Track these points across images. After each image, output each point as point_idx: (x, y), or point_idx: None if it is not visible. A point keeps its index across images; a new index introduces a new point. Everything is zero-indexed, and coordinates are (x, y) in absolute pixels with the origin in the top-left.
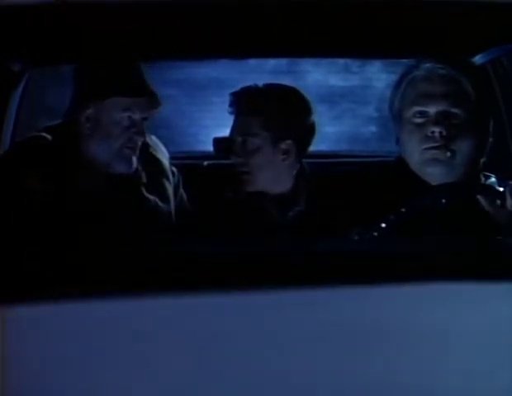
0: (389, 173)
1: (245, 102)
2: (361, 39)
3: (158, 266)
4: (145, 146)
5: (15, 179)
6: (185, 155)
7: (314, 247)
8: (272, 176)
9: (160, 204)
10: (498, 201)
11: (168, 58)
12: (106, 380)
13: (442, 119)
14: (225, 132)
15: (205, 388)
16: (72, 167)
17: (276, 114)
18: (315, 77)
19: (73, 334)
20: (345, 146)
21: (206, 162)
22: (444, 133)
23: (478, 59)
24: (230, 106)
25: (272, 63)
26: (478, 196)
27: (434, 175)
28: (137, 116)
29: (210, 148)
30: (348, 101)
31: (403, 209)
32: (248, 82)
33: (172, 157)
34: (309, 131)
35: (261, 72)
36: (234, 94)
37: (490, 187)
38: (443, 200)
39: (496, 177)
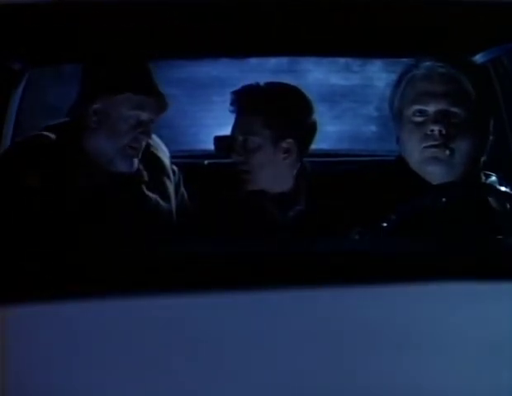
0: (389, 173)
1: (246, 101)
2: (361, 38)
3: (158, 266)
4: (147, 145)
5: (15, 178)
6: (186, 154)
7: (314, 247)
8: (273, 175)
9: (161, 202)
10: (499, 201)
11: (168, 57)
12: (106, 380)
13: (441, 117)
14: (226, 131)
15: (205, 387)
16: (73, 165)
17: (277, 112)
18: (316, 76)
19: (73, 334)
20: (346, 145)
21: (206, 161)
22: (444, 131)
23: (479, 58)
24: (232, 104)
25: (272, 62)
26: (479, 195)
27: (434, 174)
28: (145, 117)
29: (210, 147)
30: (348, 100)
31: (403, 209)
32: (249, 81)
33: (172, 156)
34: (310, 130)
35: (262, 71)
36: (235, 93)
37: (491, 186)
38: (444, 200)
39: (497, 176)
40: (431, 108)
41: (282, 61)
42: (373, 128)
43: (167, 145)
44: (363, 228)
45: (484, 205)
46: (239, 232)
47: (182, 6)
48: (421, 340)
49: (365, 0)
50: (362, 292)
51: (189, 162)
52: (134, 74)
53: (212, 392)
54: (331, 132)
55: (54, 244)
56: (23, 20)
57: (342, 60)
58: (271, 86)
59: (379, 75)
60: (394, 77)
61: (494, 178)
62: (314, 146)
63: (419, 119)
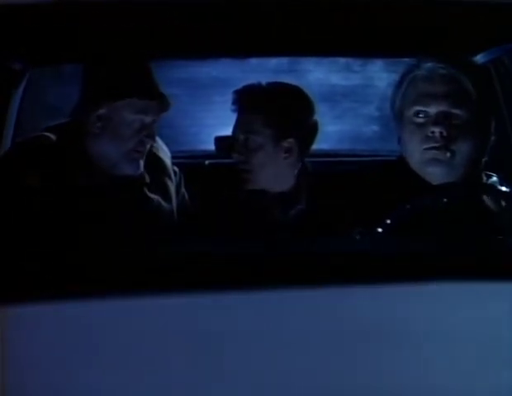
0: (390, 173)
1: (248, 100)
2: (362, 38)
3: (158, 266)
4: None
5: (15, 179)
6: (187, 154)
7: (314, 247)
8: (274, 174)
9: (163, 203)
10: (499, 201)
11: (169, 57)
12: (105, 380)
13: (442, 119)
14: (227, 131)
15: (205, 387)
16: (74, 166)
17: (278, 112)
18: (317, 76)
19: (73, 334)
20: (347, 145)
21: (207, 162)
22: (444, 133)
23: (480, 59)
24: (233, 104)
25: (273, 62)
26: (480, 196)
27: (435, 175)
28: (148, 119)
29: (211, 147)
30: (349, 100)
31: (404, 209)
32: (250, 81)
33: (173, 157)
34: (311, 130)
35: (263, 71)
36: (236, 92)
37: (492, 187)
38: (445, 200)
39: (498, 177)
40: (432, 109)
41: (283, 61)
42: (374, 128)
43: (168, 145)
44: (364, 228)
45: (484, 206)
46: (239, 232)
47: (183, 6)
48: (421, 340)
49: (366, 0)
50: (362, 292)
51: (190, 163)
52: (136, 77)
53: (212, 391)
54: (332, 132)
55: (54, 244)
56: (23, 20)
57: (343, 60)
58: (272, 85)
59: (380, 75)
60: (395, 77)
61: (495, 178)
62: (315, 146)
63: (420, 120)
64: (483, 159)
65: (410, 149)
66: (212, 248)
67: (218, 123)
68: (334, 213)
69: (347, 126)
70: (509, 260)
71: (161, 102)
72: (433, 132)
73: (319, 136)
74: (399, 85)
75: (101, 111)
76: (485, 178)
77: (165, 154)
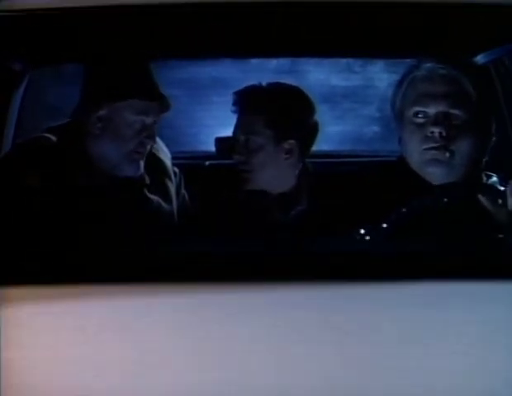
0: (391, 173)
1: (249, 101)
2: (363, 39)
3: (158, 266)
4: None
5: (16, 180)
6: (187, 155)
7: (314, 247)
8: (275, 175)
9: (163, 204)
10: (499, 201)
11: (170, 57)
12: (105, 380)
13: (442, 119)
14: (227, 132)
15: (204, 387)
16: (74, 166)
17: (279, 113)
18: (317, 76)
19: (73, 334)
20: (347, 146)
21: (207, 162)
22: (444, 133)
23: (480, 59)
24: (234, 104)
25: (274, 62)
26: (479, 196)
27: (435, 175)
28: (149, 120)
29: (211, 148)
30: (350, 100)
31: (404, 209)
32: (251, 82)
33: (173, 157)
34: (312, 131)
35: (263, 71)
36: (237, 93)
37: (492, 187)
38: (445, 200)
39: (498, 176)
40: (431, 110)
41: (284, 62)
42: (375, 128)
43: (168, 146)
44: (365, 229)
45: (484, 206)
46: (239, 232)
47: (184, 7)
48: (421, 339)
49: (366, 1)
50: (362, 292)
51: (190, 164)
52: (136, 78)
53: (212, 390)
54: (332, 132)
55: (54, 244)
56: (24, 21)
57: (343, 61)
58: (273, 86)
59: (380, 76)
60: (395, 77)
61: (495, 178)
62: (315, 147)
63: (419, 120)
64: (483, 159)
65: (410, 149)
66: (212, 248)
67: (218, 123)
68: (334, 213)
69: (347, 127)
70: (509, 260)
71: (161, 103)
72: (432, 132)
73: (319, 137)
74: (399, 85)
75: (102, 112)
76: (485, 178)
77: (165, 155)
